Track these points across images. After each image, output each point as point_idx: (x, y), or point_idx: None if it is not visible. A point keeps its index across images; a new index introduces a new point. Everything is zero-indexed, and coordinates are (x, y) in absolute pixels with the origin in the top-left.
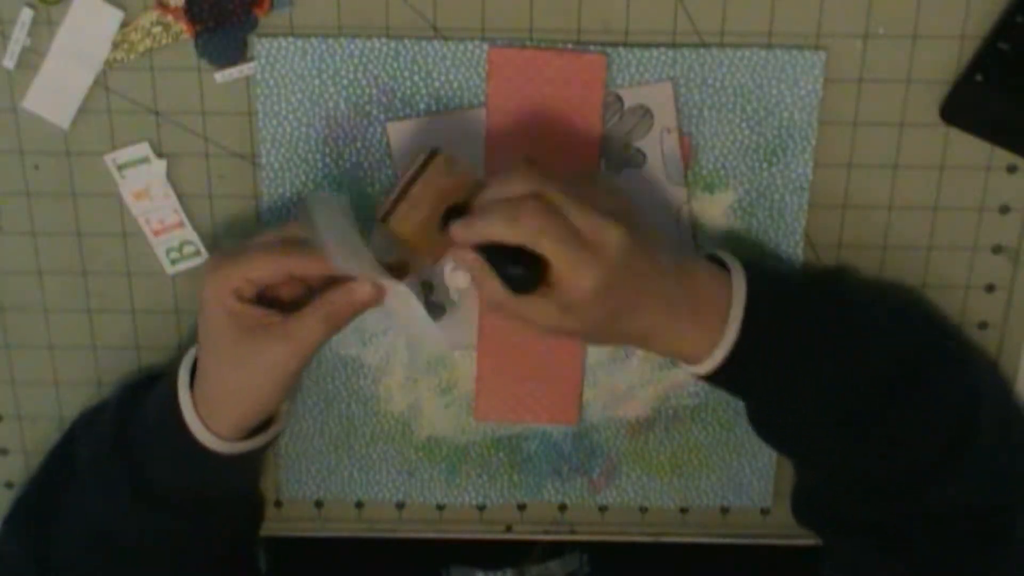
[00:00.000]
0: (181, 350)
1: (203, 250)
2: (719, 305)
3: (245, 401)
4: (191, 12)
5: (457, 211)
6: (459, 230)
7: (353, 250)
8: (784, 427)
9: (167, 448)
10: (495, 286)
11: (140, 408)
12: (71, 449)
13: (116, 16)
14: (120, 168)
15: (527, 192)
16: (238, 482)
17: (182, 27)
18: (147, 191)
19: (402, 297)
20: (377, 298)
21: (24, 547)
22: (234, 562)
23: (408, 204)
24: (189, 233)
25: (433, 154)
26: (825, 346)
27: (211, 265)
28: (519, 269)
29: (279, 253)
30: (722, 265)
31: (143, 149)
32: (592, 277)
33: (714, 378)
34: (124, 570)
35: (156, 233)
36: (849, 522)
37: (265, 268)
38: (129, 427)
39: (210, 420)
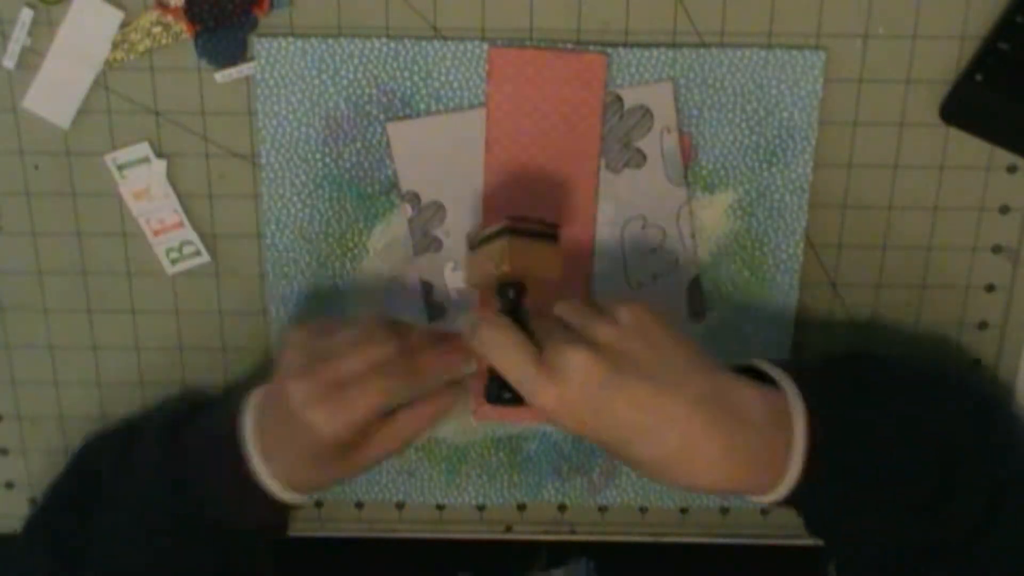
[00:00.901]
0: (182, 351)
1: (203, 250)
2: (775, 437)
3: (332, 482)
4: (191, 12)
5: (513, 284)
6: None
7: None
8: (841, 531)
9: (228, 490)
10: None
11: (189, 444)
12: (97, 471)
13: (116, 16)
14: (120, 168)
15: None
16: (288, 513)
17: (182, 27)
18: (147, 191)
19: None
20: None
21: (52, 559)
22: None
23: (472, 260)
24: (189, 233)
25: (503, 232)
26: (880, 454)
27: (325, 409)
28: (495, 386)
29: (404, 385)
30: (763, 375)
31: (143, 149)
32: (548, 398)
33: (774, 503)
34: None
35: (156, 233)
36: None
37: (391, 404)
38: (177, 462)
39: (280, 476)
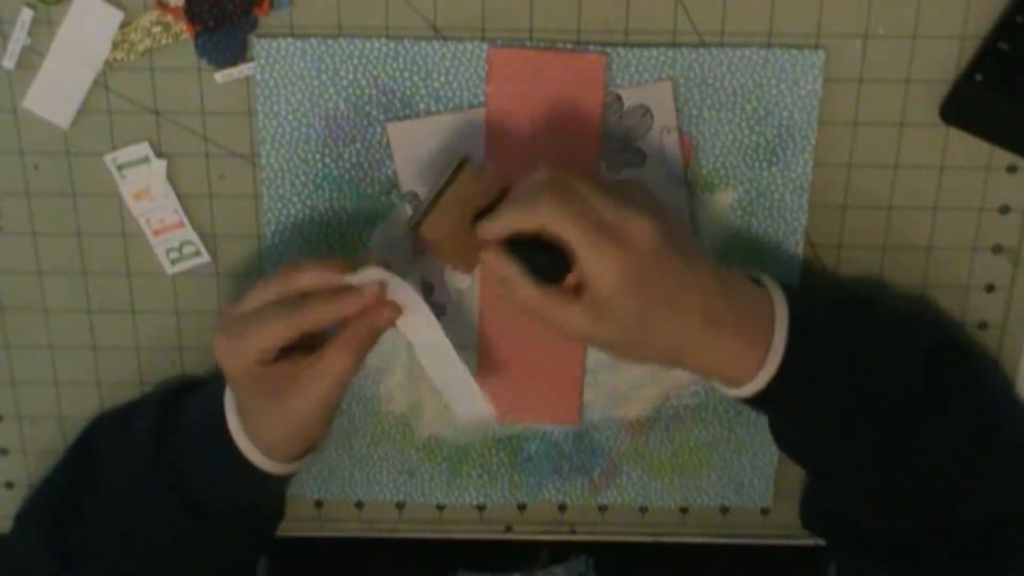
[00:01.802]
0: (182, 350)
1: (203, 250)
2: (761, 325)
3: (290, 439)
4: (191, 12)
5: (485, 216)
6: (483, 226)
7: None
8: (813, 445)
9: (215, 466)
10: (524, 285)
11: (181, 424)
12: (93, 455)
13: (116, 16)
14: (120, 168)
15: (551, 180)
16: (277, 491)
17: (182, 27)
18: (147, 191)
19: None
20: (396, 313)
21: (46, 548)
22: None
23: (439, 211)
24: (189, 233)
25: (462, 163)
26: (857, 364)
27: (225, 339)
28: (543, 257)
29: (289, 315)
30: (755, 281)
31: (143, 149)
32: (616, 266)
33: (750, 398)
34: (152, 571)
35: (156, 233)
36: (865, 535)
37: (280, 335)
38: (169, 442)
39: (259, 444)
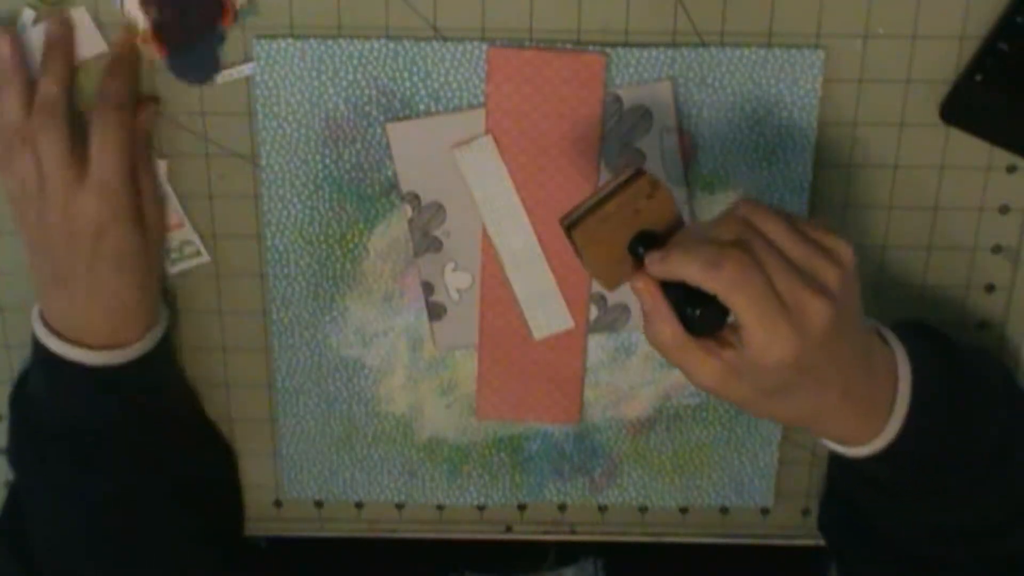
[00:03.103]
0: (182, 351)
1: (203, 250)
2: (887, 389)
3: (104, 302)
4: (159, 34)
5: (646, 238)
6: (654, 261)
7: None
8: (908, 503)
9: (46, 382)
10: (669, 325)
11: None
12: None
13: (99, 46)
14: None
15: (735, 239)
16: (132, 400)
17: (153, 50)
18: None
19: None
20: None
21: (11, 552)
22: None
23: (598, 219)
24: (189, 233)
25: (638, 174)
26: (965, 422)
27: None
28: (699, 311)
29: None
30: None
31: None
32: (785, 348)
33: (861, 458)
34: (110, 562)
35: None
36: (884, 547)
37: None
38: (23, 402)
39: (71, 330)
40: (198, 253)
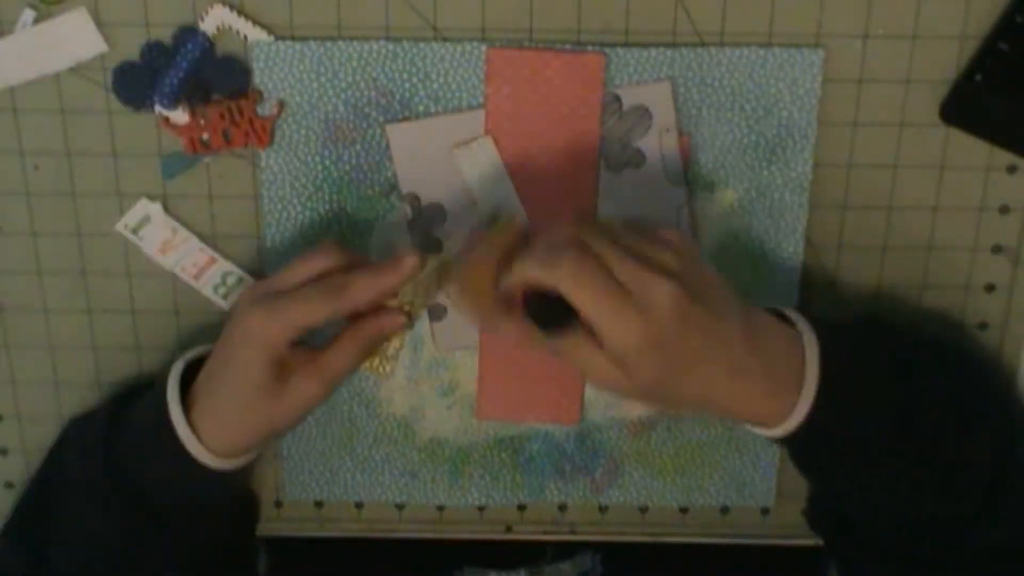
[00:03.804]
0: (182, 350)
1: (245, 276)
2: (792, 367)
3: (263, 432)
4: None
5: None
6: (503, 278)
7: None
8: (841, 476)
9: (159, 461)
10: (526, 329)
11: (130, 418)
12: (61, 457)
13: (99, 47)
14: (135, 231)
15: (571, 238)
16: (232, 487)
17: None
18: (170, 242)
19: None
20: (405, 324)
21: (20, 556)
22: (230, 566)
23: (467, 267)
24: (225, 265)
25: (494, 220)
26: (888, 399)
27: (262, 312)
28: (557, 306)
29: (333, 292)
30: (785, 319)
31: (143, 207)
32: (632, 332)
33: (784, 438)
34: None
35: (196, 277)
36: (873, 541)
37: (322, 314)
38: (118, 438)
39: (212, 439)
40: (241, 280)
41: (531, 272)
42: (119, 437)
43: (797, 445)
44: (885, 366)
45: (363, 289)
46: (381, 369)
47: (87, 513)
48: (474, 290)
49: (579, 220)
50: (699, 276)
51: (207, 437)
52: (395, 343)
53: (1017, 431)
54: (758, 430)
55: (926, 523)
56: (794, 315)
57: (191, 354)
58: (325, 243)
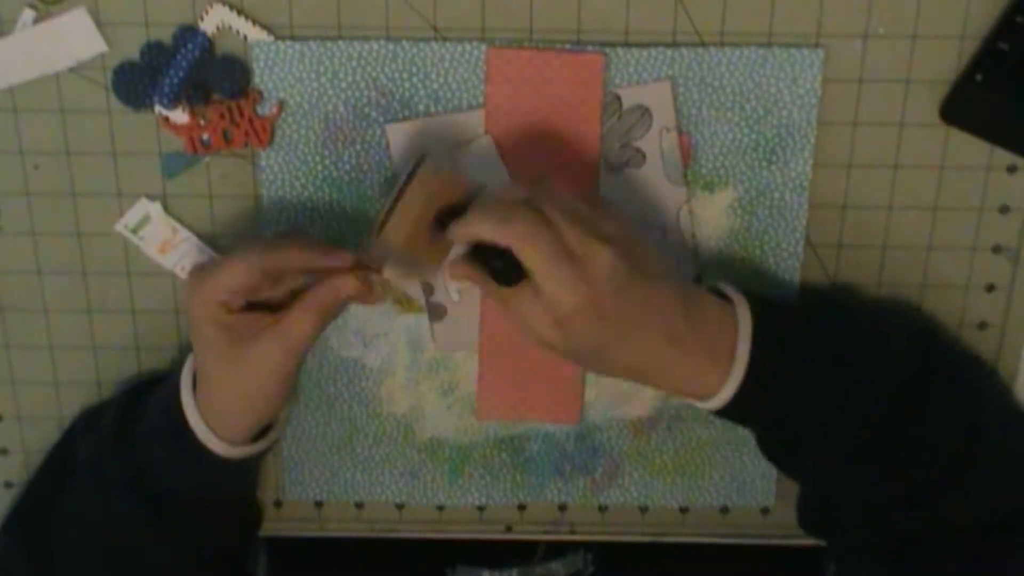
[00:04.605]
0: (182, 350)
1: None
2: (725, 340)
3: (246, 406)
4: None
5: (451, 213)
6: (454, 227)
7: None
8: (793, 453)
9: (170, 451)
10: (485, 283)
11: (142, 410)
12: (70, 449)
13: (99, 46)
14: (135, 231)
15: (522, 199)
16: (238, 485)
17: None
18: (170, 242)
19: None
20: (361, 290)
21: (22, 548)
22: (231, 565)
23: (400, 213)
24: None
25: (419, 161)
26: (832, 372)
27: (192, 281)
28: (501, 263)
29: (254, 257)
30: (723, 296)
31: (144, 207)
32: (575, 294)
33: (722, 412)
34: (123, 572)
35: None
36: (859, 537)
37: (244, 274)
38: (130, 429)
39: (213, 424)
40: None
41: (484, 228)
42: (131, 429)
43: (741, 419)
44: (828, 340)
45: (291, 257)
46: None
47: (95, 508)
48: (410, 235)
49: (529, 184)
50: (639, 248)
51: (213, 423)
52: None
53: (989, 408)
54: (696, 403)
55: (894, 505)
56: (732, 292)
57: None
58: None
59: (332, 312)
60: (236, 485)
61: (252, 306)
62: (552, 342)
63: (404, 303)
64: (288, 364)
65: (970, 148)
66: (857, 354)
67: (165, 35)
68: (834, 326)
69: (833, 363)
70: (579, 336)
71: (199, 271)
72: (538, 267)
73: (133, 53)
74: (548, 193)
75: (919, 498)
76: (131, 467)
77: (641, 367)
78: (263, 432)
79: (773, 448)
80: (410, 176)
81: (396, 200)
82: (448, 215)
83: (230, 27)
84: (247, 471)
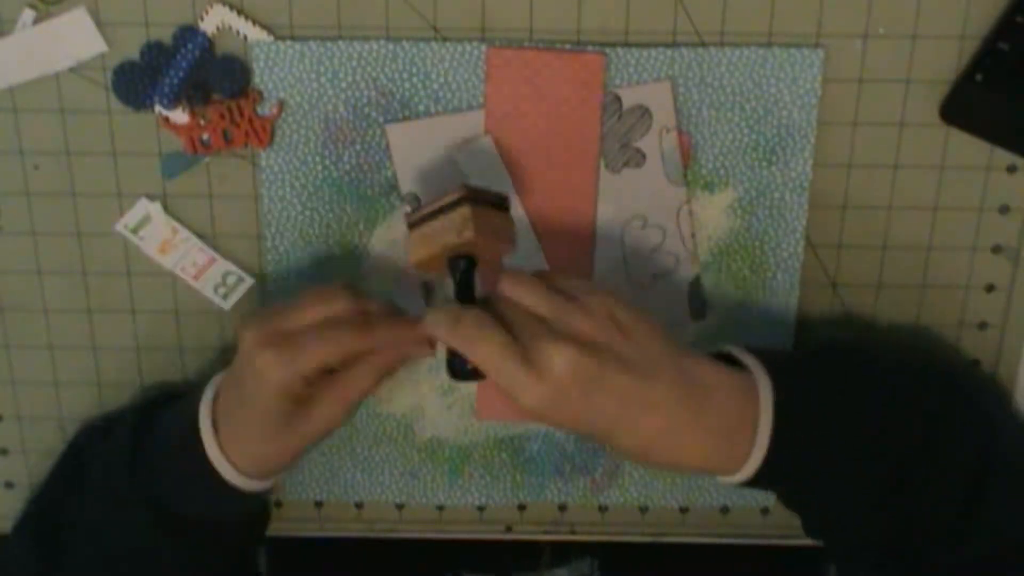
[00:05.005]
0: (182, 351)
1: (245, 275)
2: (744, 415)
3: (287, 456)
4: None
5: (465, 258)
6: (423, 325)
7: None
8: (817, 508)
9: (187, 478)
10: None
11: (156, 431)
12: (81, 461)
13: (99, 47)
14: (135, 231)
15: (501, 294)
16: (254, 506)
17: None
18: (170, 242)
19: None
20: (431, 349)
21: (33, 557)
22: (235, 570)
23: (420, 235)
24: (225, 265)
25: (461, 200)
26: (852, 427)
27: (275, 352)
28: (458, 361)
29: (354, 334)
30: (733, 360)
31: (143, 207)
32: (531, 395)
33: (745, 483)
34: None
35: (195, 277)
36: (867, 550)
37: (338, 357)
38: (144, 449)
39: (236, 461)
40: (242, 279)
41: (439, 331)
42: (145, 451)
43: (758, 487)
44: (848, 399)
45: (385, 336)
46: None
47: (107, 522)
48: (423, 261)
49: (504, 272)
50: (617, 336)
51: (236, 460)
52: None
53: (1002, 442)
54: (718, 478)
55: (909, 548)
56: (747, 358)
57: (220, 378)
58: (336, 285)
59: (394, 371)
60: (252, 507)
61: None
62: (549, 423)
63: None
64: (341, 419)
65: (970, 148)
66: (876, 404)
67: (165, 35)
68: (849, 376)
69: (853, 417)
70: (559, 425)
71: (280, 343)
72: (489, 370)
73: (133, 53)
74: (518, 279)
75: (931, 539)
76: (146, 488)
77: (643, 453)
78: None
79: (796, 505)
80: (448, 206)
81: (427, 217)
82: (462, 259)
83: (230, 27)
84: (263, 493)
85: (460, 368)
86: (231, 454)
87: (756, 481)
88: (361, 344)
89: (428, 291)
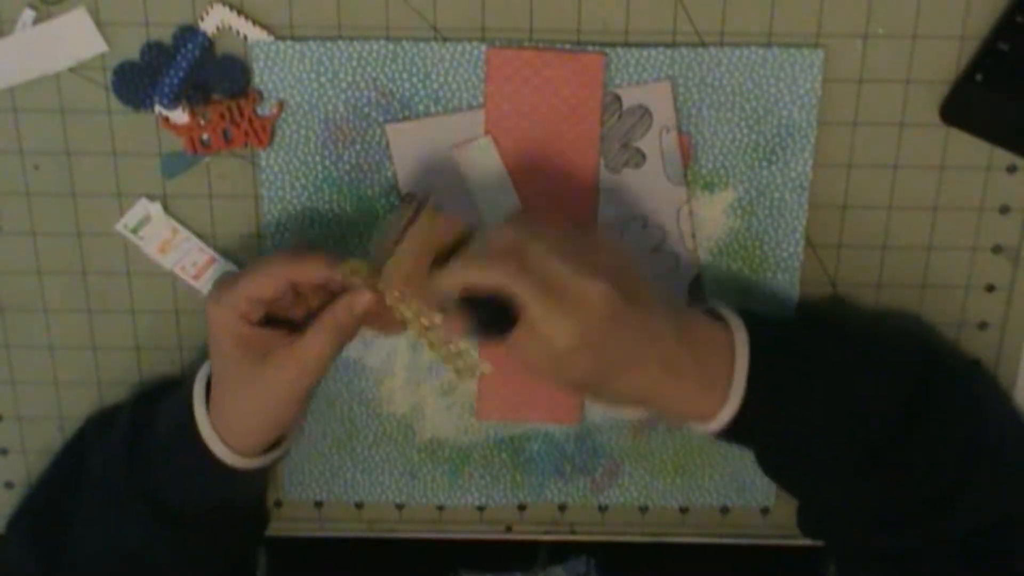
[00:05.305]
0: (182, 351)
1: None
2: (722, 363)
3: (259, 422)
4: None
5: (447, 257)
6: (440, 277)
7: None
8: (792, 470)
9: (182, 463)
10: (474, 330)
11: (153, 421)
12: (81, 453)
13: (99, 47)
14: (135, 231)
15: (510, 241)
16: (249, 494)
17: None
18: (170, 242)
19: None
20: (377, 305)
21: (31, 552)
22: (238, 569)
23: (399, 256)
24: (224, 264)
25: (420, 205)
26: (830, 389)
27: (214, 292)
28: (486, 314)
29: (277, 266)
30: (718, 317)
31: (143, 207)
32: (568, 331)
33: (720, 434)
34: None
35: (195, 277)
36: (862, 550)
37: (265, 284)
38: (142, 440)
39: (226, 437)
40: None
41: (472, 273)
42: (142, 440)
43: (733, 439)
44: (825, 357)
45: (313, 268)
46: (464, 371)
47: (107, 517)
48: (408, 280)
49: (517, 223)
50: (630, 277)
51: (226, 436)
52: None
53: (990, 416)
54: (698, 428)
55: (897, 517)
56: (727, 312)
57: (206, 367)
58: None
59: (348, 332)
60: (247, 494)
61: (273, 323)
62: (550, 377)
63: (462, 371)
64: (302, 383)
65: (970, 148)
66: (855, 370)
67: (165, 35)
68: (831, 341)
69: (831, 380)
70: (577, 370)
71: (220, 282)
72: (530, 307)
73: (133, 53)
74: (535, 231)
75: (920, 511)
76: (143, 479)
77: (639, 395)
78: (275, 442)
79: (772, 465)
80: (412, 219)
81: (395, 242)
82: (445, 259)
83: (230, 27)
84: (258, 480)
85: (484, 319)
86: (220, 430)
87: (731, 432)
88: (290, 272)
89: None
